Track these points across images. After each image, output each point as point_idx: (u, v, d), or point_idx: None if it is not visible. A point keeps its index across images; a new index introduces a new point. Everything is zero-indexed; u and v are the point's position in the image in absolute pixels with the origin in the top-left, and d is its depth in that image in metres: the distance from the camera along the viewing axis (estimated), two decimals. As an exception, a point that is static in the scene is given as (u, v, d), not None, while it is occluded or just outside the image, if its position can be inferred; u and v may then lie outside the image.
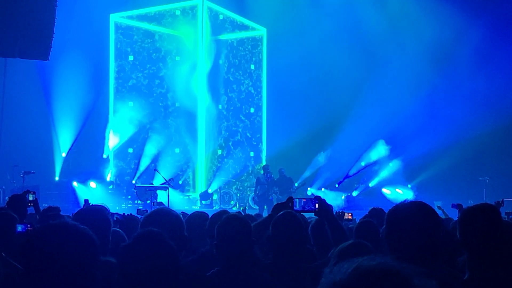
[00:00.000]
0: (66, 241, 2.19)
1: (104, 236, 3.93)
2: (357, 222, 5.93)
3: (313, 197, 4.40)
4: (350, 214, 7.53)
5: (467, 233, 3.02)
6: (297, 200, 4.48)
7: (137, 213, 7.65)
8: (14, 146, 19.52)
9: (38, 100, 20.25)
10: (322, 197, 4.44)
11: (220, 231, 3.73)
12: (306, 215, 5.20)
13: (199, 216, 5.24)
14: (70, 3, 18.46)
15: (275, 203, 19.79)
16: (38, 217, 5.90)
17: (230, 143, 23.37)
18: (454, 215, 8.09)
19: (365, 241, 4.24)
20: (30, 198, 5.42)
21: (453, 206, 8.26)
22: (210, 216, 5.01)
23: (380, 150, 22.33)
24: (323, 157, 22.09)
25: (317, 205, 4.33)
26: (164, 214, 3.29)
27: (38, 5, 15.22)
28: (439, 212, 9.66)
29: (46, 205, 15.56)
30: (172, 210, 3.66)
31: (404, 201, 3.12)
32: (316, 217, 4.77)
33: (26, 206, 5.21)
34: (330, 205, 4.42)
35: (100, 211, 4.08)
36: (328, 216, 4.38)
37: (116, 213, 6.87)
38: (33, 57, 16.65)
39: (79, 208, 7.09)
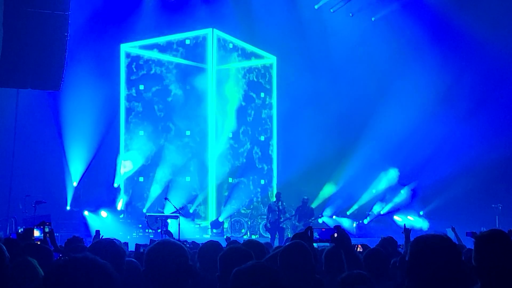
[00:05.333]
0: (88, 275, 2.23)
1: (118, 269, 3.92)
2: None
3: (333, 227, 4.38)
4: (359, 245, 7.54)
5: (482, 260, 3.02)
6: (317, 229, 4.46)
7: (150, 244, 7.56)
8: (26, 176, 19.61)
9: (49, 130, 20.37)
10: (342, 227, 4.40)
11: (222, 263, 3.70)
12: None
13: (211, 246, 5.20)
14: (81, 34, 18.67)
15: (287, 230, 19.44)
16: (53, 248, 5.88)
17: (241, 171, 23.31)
18: (469, 243, 7.97)
19: (374, 269, 4.20)
20: (46, 229, 5.42)
21: (468, 234, 8.07)
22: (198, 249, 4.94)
23: (391, 178, 22.20)
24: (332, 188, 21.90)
25: (335, 234, 4.29)
26: (167, 246, 3.25)
27: (49, 37, 15.43)
28: (452, 234, 9.52)
29: (58, 234, 15.61)
30: (175, 241, 3.63)
31: (426, 233, 3.18)
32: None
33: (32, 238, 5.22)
34: (348, 236, 4.38)
35: (115, 245, 4.07)
36: (345, 246, 4.32)
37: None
38: (45, 88, 16.81)
39: (91, 238, 7.06)
